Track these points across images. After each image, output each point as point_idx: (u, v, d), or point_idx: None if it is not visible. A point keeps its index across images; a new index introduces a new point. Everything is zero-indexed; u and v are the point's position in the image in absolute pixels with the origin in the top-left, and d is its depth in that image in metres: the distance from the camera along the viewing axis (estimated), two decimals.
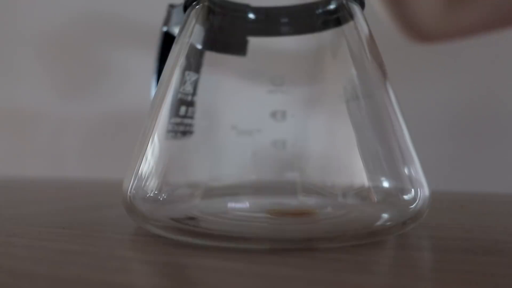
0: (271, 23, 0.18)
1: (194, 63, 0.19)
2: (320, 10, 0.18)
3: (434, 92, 0.58)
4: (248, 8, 0.18)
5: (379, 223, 0.16)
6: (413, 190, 0.17)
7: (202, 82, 0.18)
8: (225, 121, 0.17)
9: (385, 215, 0.16)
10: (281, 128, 0.16)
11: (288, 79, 0.17)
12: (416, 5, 0.43)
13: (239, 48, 0.18)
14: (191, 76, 0.18)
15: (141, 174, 0.18)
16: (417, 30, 0.45)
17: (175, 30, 0.27)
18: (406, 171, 0.17)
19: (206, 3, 0.19)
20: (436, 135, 0.57)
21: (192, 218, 0.15)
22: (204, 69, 0.18)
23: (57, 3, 0.80)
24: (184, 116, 0.17)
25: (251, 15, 0.18)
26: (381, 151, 0.17)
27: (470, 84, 0.57)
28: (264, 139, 0.16)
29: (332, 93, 0.17)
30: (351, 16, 0.19)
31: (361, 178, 0.16)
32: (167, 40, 0.27)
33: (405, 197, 0.16)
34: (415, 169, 0.18)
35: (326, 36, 0.18)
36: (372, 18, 0.23)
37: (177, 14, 0.27)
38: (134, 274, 0.13)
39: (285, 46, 0.18)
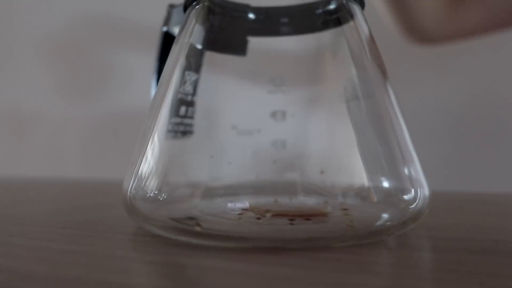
0: (271, 23, 0.18)
1: (194, 63, 0.19)
2: (320, 10, 0.18)
3: (434, 92, 0.58)
4: (248, 8, 0.18)
5: (379, 223, 0.16)
6: (413, 190, 0.17)
7: (202, 82, 0.18)
8: (225, 121, 0.17)
9: (385, 215, 0.16)
10: (281, 128, 0.16)
11: (288, 79, 0.17)
12: (417, 7, 0.43)
13: (239, 48, 0.18)
14: (191, 76, 0.18)
15: (141, 174, 0.18)
16: (418, 32, 0.45)
17: (175, 30, 0.27)
18: (406, 171, 0.17)
19: (206, 3, 0.19)
20: (436, 135, 0.57)
21: (192, 218, 0.15)
22: (204, 69, 0.18)
23: (58, 5, 0.80)
24: (184, 116, 0.17)
25: (251, 15, 0.18)
26: (381, 151, 0.17)
27: (470, 84, 0.57)
28: (264, 139, 0.16)
29: (332, 93, 0.17)
30: (351, 16, 0.19)
31: (361, 178, 0.16)
32: (167, 40, 0.27)
33: (405, 197, 0.16)
34: (415, 169, 0.18)
35: (326, 36, 0.18)
36: (372, 18, 0.23)
37: (177, 14, 0.27)
38: (134, 274, 0.13)
39: (285, 46, 0.18)
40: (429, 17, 0.43)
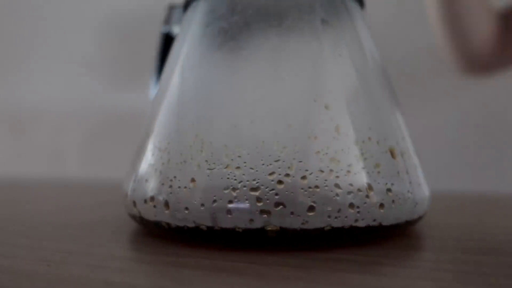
0: (271, 22, 0.18)
1: (194, 63, 0.19)
2: (319, 10, 0.18)
3: (434, 91, 0.58)
4: (248, 7, 0.18)
5: (379, 223, 0.16)
6: (413, 190, 0.17)
7: (202, 81, 0.18)
8: (225, 120, 0.17)
9: (385, 215, 0.16)
10: (282, 128, 0.16)
11: (288, 78, 0.17)
12: (473, 35, 0.43)
13: (240, 47, 0.18)
14: (191, 75, 0.18)
15: (141, 174, 0.18)
16: (474, 60, 0.46)
17: (175, 30, 0.27)
18: (406, 171, 0.17)
19: (206, 3, 0.19)
20: (436, 135, 0.57)
21: (192, 218, 0.15)
22: (205, 68, 0.18)
23: (60, 5, 0.81)
24: (184, 116, 0.17)
25: (252, 15, 0.18)
26: (381, 151, 0.17)
27: (473, 85, 0.57)
28: (265, 138, 0.16)
29: (332, 93, 0.17)
30: (350, 16, 0.19)
31: (361, 178, 0.16)
32: (167, 40, 0.27)
33: (405, 197, 0.16)
34: (415, 169, 0.18)
35: (326, 36, 0.18)
36: (372, 18, 0.23)
37: (177, 14, 0.27)
38: (134, 274, 0.13)
39: (285, 45, 0.18)
40: (485, 45, 0.44)
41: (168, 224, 0.16)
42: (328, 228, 0.15)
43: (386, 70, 0.20)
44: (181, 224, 0.16)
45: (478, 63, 0.46)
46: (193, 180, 0.16)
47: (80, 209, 0.27)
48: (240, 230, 0.15)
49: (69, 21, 0.80)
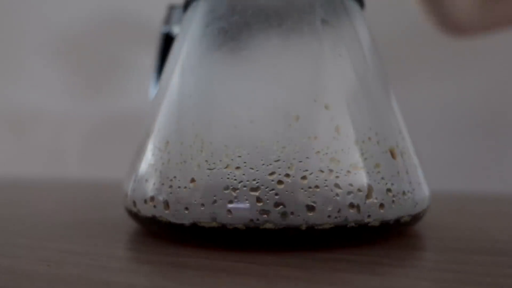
0: (271, 22, 0.18)
1: (194, 63, 0.19)
2: (319, 10, 0.18)
3: (435, 90, 0.58)
4: (248, 7, 0.18)
5: (379, 222, 0.16)
6: (413, 190, 0.17)
7: (202, 81, 0.18)
8: (225, 120, 0.17)
9: (385, 215, 0.16)
10: (282, 128, 0.16)
11: (288, 78, 0.17)
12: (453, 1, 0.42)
13: (240, 47, 0.18)
14: (191, 75, 0.18)
15: (141, 174, 0.18)
16: (452, 24, 0.45)
17: (175, 30, 0.27)
18: (406, 171, 0.17)
19: (206, 3, 0.19)
20: (436, 135, 0.57)
21: (192, 218, 0.15)
22: (205, 68, 0.18)
23: (61, 3, 0.81)
24: (184, 116, 0.17)
25: (252, 15, 0.18)
26: (381, 151, 0.17)
27: (472, 82, 0.57)
28: (265, 138, 0.16)
29: (332, 93, 0.17)
30: (350, 16, 0.19)
31: (361, 178, 0.16)
32: (167, 40, 0.27)
33: (405, 197, 0.16)
34: (415, 169, 0.18)
35: (326, 36, 0.18)
36: (372, 18, 0.23)
37: (177, 14, 0.27)
38: (134, 274, 0.13)
39: (285, 45, 0.18)
40: (463, 9, 0.43)
41: (168, 224, 0.16)
42: (328, 228, 0.15)
43: (386, 70, 0.20)
44: (181, 224, 0.16)
45: (457, 27, 0.45)
46: (193, 180, 0.16)
47: (80, 209, 0.27)
48: (240, 230, 0.15)
49: (69, 21, 0.80)
